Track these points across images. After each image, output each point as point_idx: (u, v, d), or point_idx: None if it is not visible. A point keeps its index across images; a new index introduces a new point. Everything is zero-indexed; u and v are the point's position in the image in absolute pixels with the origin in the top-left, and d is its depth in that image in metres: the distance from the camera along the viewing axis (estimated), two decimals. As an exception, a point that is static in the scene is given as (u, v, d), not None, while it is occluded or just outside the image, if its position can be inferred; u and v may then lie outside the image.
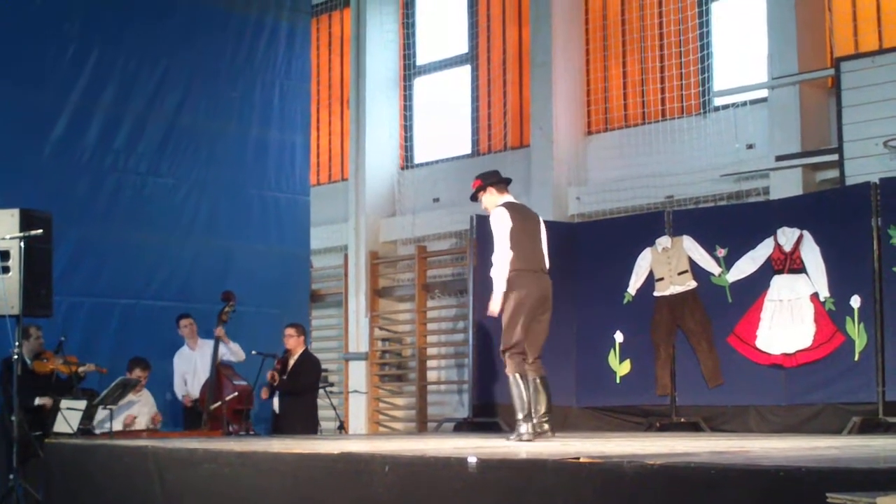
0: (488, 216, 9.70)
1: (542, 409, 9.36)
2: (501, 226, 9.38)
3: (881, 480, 4.55)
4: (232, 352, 13.19)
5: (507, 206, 9.55)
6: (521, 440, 9.01)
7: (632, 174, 14.93)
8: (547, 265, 9.64)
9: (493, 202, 9.65)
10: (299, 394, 12.98)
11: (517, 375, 9.25)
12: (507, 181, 9.89)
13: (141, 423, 12.51)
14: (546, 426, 9.33)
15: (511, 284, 9.35)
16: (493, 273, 9.38)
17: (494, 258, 9.37)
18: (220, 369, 12.94)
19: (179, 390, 13.44)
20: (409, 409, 17.56)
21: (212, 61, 14.97)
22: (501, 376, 13.05)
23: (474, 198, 9.83)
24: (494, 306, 9.41)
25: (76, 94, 13.64)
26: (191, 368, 13.39)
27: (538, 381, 9.38)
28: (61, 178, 13.41)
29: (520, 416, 9.18)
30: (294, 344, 13.14)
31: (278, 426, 12.97)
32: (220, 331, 13.04)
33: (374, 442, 10.21)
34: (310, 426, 12.96)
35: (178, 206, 14.50)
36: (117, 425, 12.02)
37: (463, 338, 15.95)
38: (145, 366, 12.67)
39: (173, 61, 14.52)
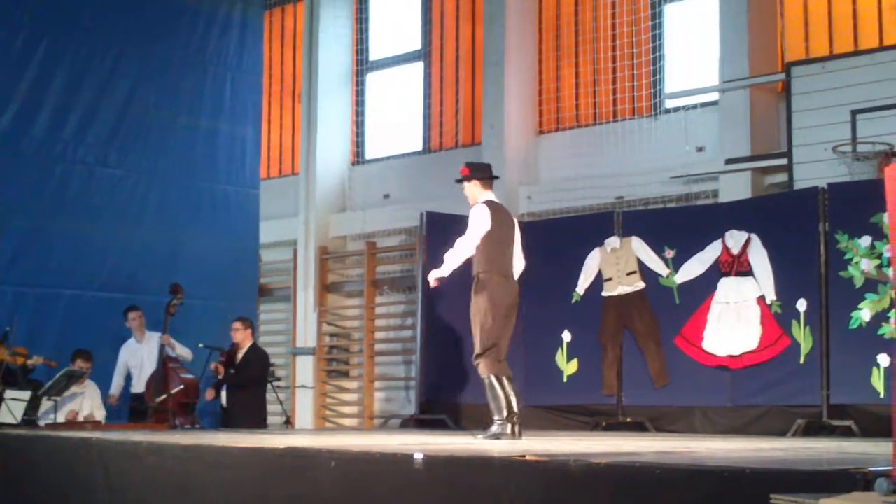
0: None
1: (515, 409, 9.32)
2: (479, 225, 9.39)
3: (825, 482, 4.58)
4: (179, 355, 13.12)
5: (490, 205, 9.53)
6: (497, 439, 8.98)
7: (582, 174, 14.97)
8: (521, 268, 9.66)
9: (475, 196, 9.62)
10: (247, 387, 12.93)
11: (494, 377, 9.23)
12: (494, 178, 9.88)
13: (82, 416, 12.40)
14: (517, 427, 9.30)
15: (483, 286, 9.37)
16: (450, 253, 9.41)
17: (460, 242, 9.39)
18: (166, 362, 12.87)
19: (115, 386, 13.30)
20: (355, 405, 17.53)
21: (163, 52, 14.88)
22: (449, 374, 13.11)
23: (457, 181, 9.76)
24: (437, 274, 9.48)
25: (25, 83, 13.54)
26: (137, 362, 13.30)
27: (506, 381, 9.36)
28: (8, 166, 13.31)
29: (499, 417, 9.14)
30: (241, 337, 13.09)
31: (227, 420, 12.91)
32: (166, 338, 12.97)
33: (320, 437, 10.18)
34: (258, 420, 12.92)
35: (127, 197, 14.41)
36: (61, 417, 11.93)
37: (411, 334, 15.94)
38: (87, 357, 12.58)
39: (124, 51, 14.43)
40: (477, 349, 9.34)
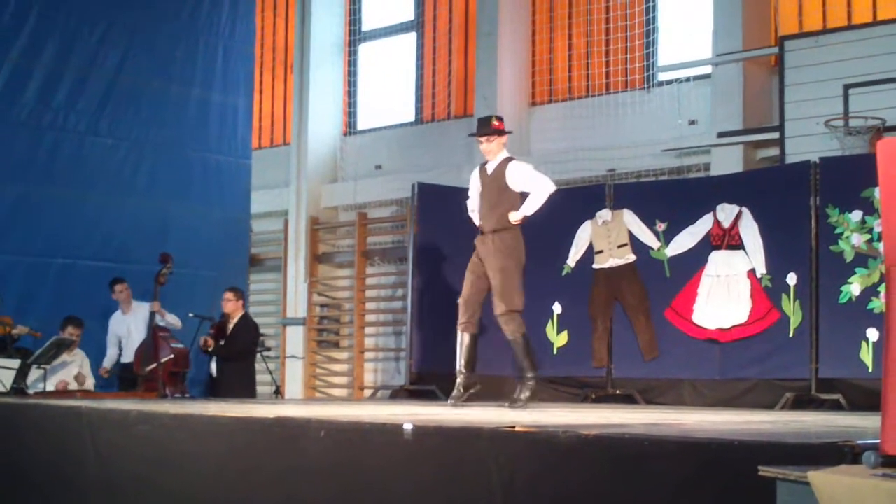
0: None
1: None
2: (529, 167, 9.65)
3: (813, 455, 4.59)
4: (169, 323, 13.12)
5: None
6: (527, 405, 9.16)
7: (574, 146, 14.96)
8: None
9: (500, 151, 9.65)
10: (237, 358, 12.93)
11: (523, 335, 9.35)
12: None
13: (73, 383, 12.41)
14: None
15: (515, 240, 9.49)
16: (540, 196, 9.46)
17: (546, 184, 9.50)
18: (156, 331, 12.86)
19: (109, 359, 13.31)
20: (345, 376, 17.56)
21: (154, 20, 14.79)
22: (439, 344, 13.10)
23: (486, 133, 9.62)
24: (527, 211, 9.48)
25: (15, 51, 13.46)
26: (125, 332, 13.29)
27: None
28: (-1, 135, 13.27)
29: (532, 374, 9.32)
30: (232, 308, 13.08)
31: (216, 390, 12.92)
32: (156, 306, 12.96)
33: (310, 407, 10.19)
34: (247, 390, 12.93)
35: (118, 166, 14.35)
36: (50, 386, 11.92)
37: (401, 305, 15.95)
38: (78, 324, 12.56)
39: (115, 19, 14.34)
40: (505, 306, 9.36)
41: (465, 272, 9.73)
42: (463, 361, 9.66)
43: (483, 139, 9.64)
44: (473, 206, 9.88)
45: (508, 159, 9.65)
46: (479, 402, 9.93)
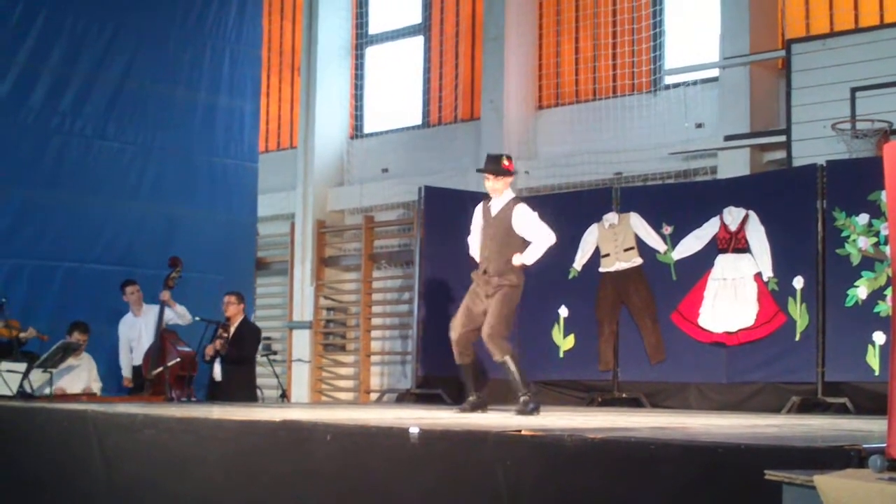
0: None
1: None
2: (535, 214, 9.58)
3: (819, 459, 4.59)
4: (178, 314, 13.10)
5: None
6: (535, 411, 9.10)
7: (581, 150, 14.95)
8: None
9: (505, 190, 9.61)
10: (239, 362, 12.92)
11: (510, 356, 9.31)
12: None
13: (78, 388, 12.41)
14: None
15: (518, 279, 9.50)
16: (539, 247, 9.46)
17: (547, 236, 9.49)
18: (164, 335, 12.85)
19: (126, 367, 13.31)
20: (352, 379, 17.54)
21: (161, 25, 14.81)
22: (445, 348, 13.08)
23: (495, 172, 9.56)
24: (527, 260, 9.46)
25: (23, 55, 13.49)
26: (136, 335, 13.28)
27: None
28: (6, 138, 13.29)
29: (525, 390, 9.25)
30: (234, 312, 13.05)
31: (217, 394, 12.89)
32: (165, 294, 12.94)
33: (316, 411, 10.20)
34: (249, 394, 12.93)
35: (124, 170, 14.37)
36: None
37: (408, 309, 15.94)
38: (84, 329, 12.57)
39: (122, 23, 14.36)
40: (492, 329, 9.35)
41: (462, 302, 9.69)
42: (470, 385, 9.71)
43: (490, 176, 9.58)
44: (474, 243, 9.82)
45: (515, 200, 9.63)
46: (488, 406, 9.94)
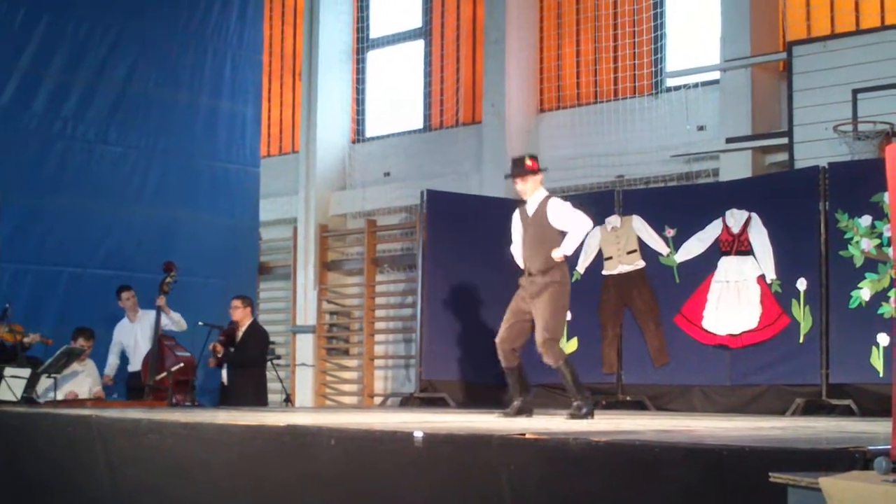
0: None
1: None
2: (568, 204, 9.60)
3: (824, 461, 4.58)
4: (173, 321, 13.09)
5: None
6: (590, 415, 9.16)
7: (583, 153, 14.96)
8: None
9: (536, 188, 9.61)
10: (247, 365, 12.92)
11: (564, 361, 9.35)
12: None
13: (84, 393, 12.41)
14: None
15: (561, 274, 9.45)
16: (577, 235, 9.45)
17: (584, 223, 9.48)
18: (161, 340, 12.85)
19: (110, 366, 13.32)
20: (355, 383, 17.55)
21: (163, 29, 14.82)
22: (449, 352, 13.11)
23: (520, 174, 9.59)
24: (566, 250, 9.45)
25: (25, 60, 13.49)
26: (131, 341, 13.28)
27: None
28: (8, 144, 13.28)
29: (582, 395, 9.27)
30: (241, 315, 13.06)
31: (227, 398, 12.91)
32: (161, 300, 12.94)
33: (320, 415, 10.20)
34: (258, 398, 12.91)
35: (127, 175, 14.38)
36: (61, 395, 11.93)
37: (411, 312, 15.95)
38: (89, 335, 12.58)
39: (124, 28, 14.37)
40: (547, 333, 9.31)
41: (507, 309, 9.63)
42: (516, 389, 9.64)
43: (518, 180, 9.60)
44: (517, 250, 9.77)
45: (548, 198, 9.61)
46: (491, 409, 9.93)
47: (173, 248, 14.17)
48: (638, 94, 14.91)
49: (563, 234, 9.47)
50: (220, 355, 12.83)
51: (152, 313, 13.01)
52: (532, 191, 9.59)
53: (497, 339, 9.61)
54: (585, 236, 9.65)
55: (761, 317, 11.85)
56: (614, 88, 15.17)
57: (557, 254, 9.38)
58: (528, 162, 9.59)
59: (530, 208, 9.62)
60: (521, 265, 9.69)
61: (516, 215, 9.80)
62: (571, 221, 9.48)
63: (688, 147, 14.07)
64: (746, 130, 13.43)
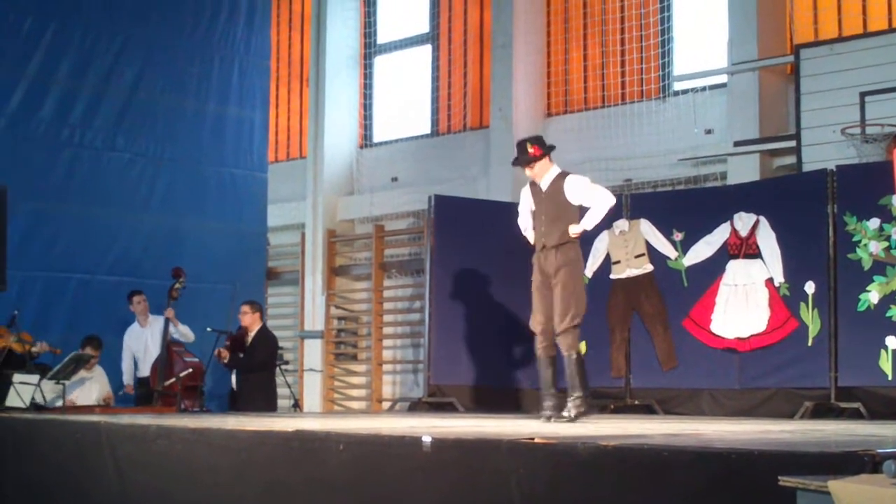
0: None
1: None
2: (587, 179, 9.50)
3: (833, 464, 4.57)
4: (182, 334, 13.09)
5: None
6: (584, 416, 9.06)
7: (591, 157, 14.94)
8: None
9: (548, 168, 9.51)
10: (256, 371, 12.92)
11: (577, 353, 9.25)
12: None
13: (92, 400, 12.42)
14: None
15: (575, 252, 9.37)
16: (600, 209, 9.34)
17: (606, 197, 9.39)
18: (170, 346, 12.86)
19: (128, 373, 13.33)
20: (364, 388, 17.54)
21: (170, 36, 14.85)
22: (457, 356, 13.11)
23: (526, 162, 9.50)
24: (587, 225, 9.36)
25: (32, 68, 13.53)
26: (141, 346, 13.29)
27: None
28: (16, 151, 13.31)
29: (581, 392, 9.17)
30: (250, 321, 13.06)
31: (236, 403, 12.91)
32: (170, 312, 12.95)
33: (328, 420, 10.20)
34: (268, 403, 12.91)
35: (135, 182, 14.40)
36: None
37: (419, 317, 15.94)
38: (98, 344, 12.58)
39: (131, 36, 14.40)
40: (567, 321, 9.21)
41: (533, 295, 9.50)
42: (550, 384, 9.47)
43: (525, 168, 9.55)
44: (526, 224, 9.69)
45: (564, 174, 9.49)
46: (499, 414, 9.91)
47: (181, 253, 14.18)
48: (645, 98, 14.89)
49: (580, 209, 9.36)
50: (225, 361, 12.84)
51: (162, 319, 13.03)
52: (543, 172, 9.50)
53: (534, 323, 9.46)
54: (607, 212, 9.48)
55: (769, 320, 11.84)
56: (622, 92, 15.17)
57: (576, 229, 9.27)
58: (531, 150, 9.48)
59: (544, 184, 9.51)
60: (530, 239, 9.62)
61: (525, 191, 9.73)
62: (593, 197, 9.38)
63: (695, 150, 14.05)
64: (754, 133, 13.41)
